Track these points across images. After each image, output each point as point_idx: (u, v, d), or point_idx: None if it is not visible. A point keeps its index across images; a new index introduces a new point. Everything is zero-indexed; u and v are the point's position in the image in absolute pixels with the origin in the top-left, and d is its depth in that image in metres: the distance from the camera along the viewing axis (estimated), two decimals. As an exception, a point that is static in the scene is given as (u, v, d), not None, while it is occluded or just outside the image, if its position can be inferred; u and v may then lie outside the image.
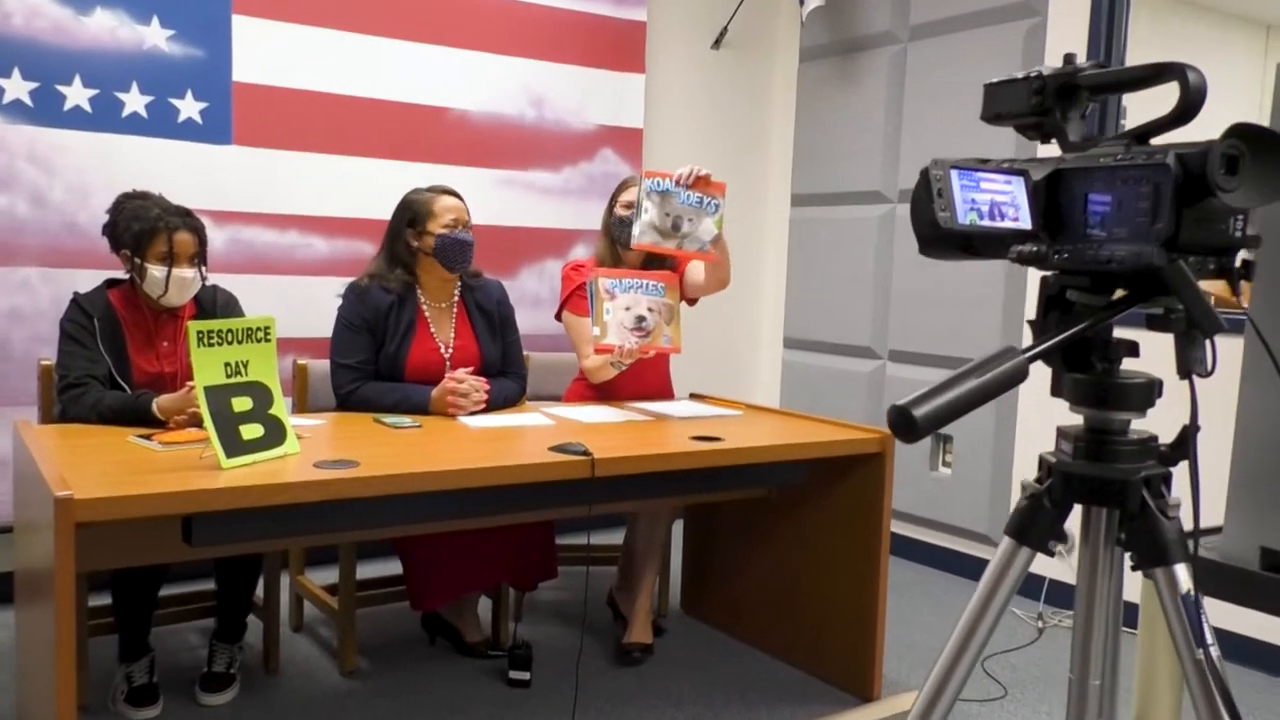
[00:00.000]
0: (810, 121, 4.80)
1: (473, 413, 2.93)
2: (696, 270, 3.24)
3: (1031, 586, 3.71)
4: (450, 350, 3.08)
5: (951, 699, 1.12)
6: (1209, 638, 0.99)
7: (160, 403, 2.59)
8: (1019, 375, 0.91)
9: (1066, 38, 3.72)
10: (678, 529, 3.65)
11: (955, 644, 1.13)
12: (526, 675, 2.93)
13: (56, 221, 3.38)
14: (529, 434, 2.74)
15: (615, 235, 3.25)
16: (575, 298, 3.28)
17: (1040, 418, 3.81)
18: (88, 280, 2.86)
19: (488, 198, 4.13)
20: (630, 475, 2.54)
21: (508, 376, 3.19)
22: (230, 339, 2.27)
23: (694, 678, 3.06)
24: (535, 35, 4.25)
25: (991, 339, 3.95)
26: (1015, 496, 1.17)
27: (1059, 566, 3.61)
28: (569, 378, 3.48)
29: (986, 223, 1.00)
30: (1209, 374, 0.97)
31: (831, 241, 4.63)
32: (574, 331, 3.31)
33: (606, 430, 2.83)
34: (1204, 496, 1.16)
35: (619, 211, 3.25)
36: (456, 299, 3.13)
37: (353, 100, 3.89)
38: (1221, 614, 1.25)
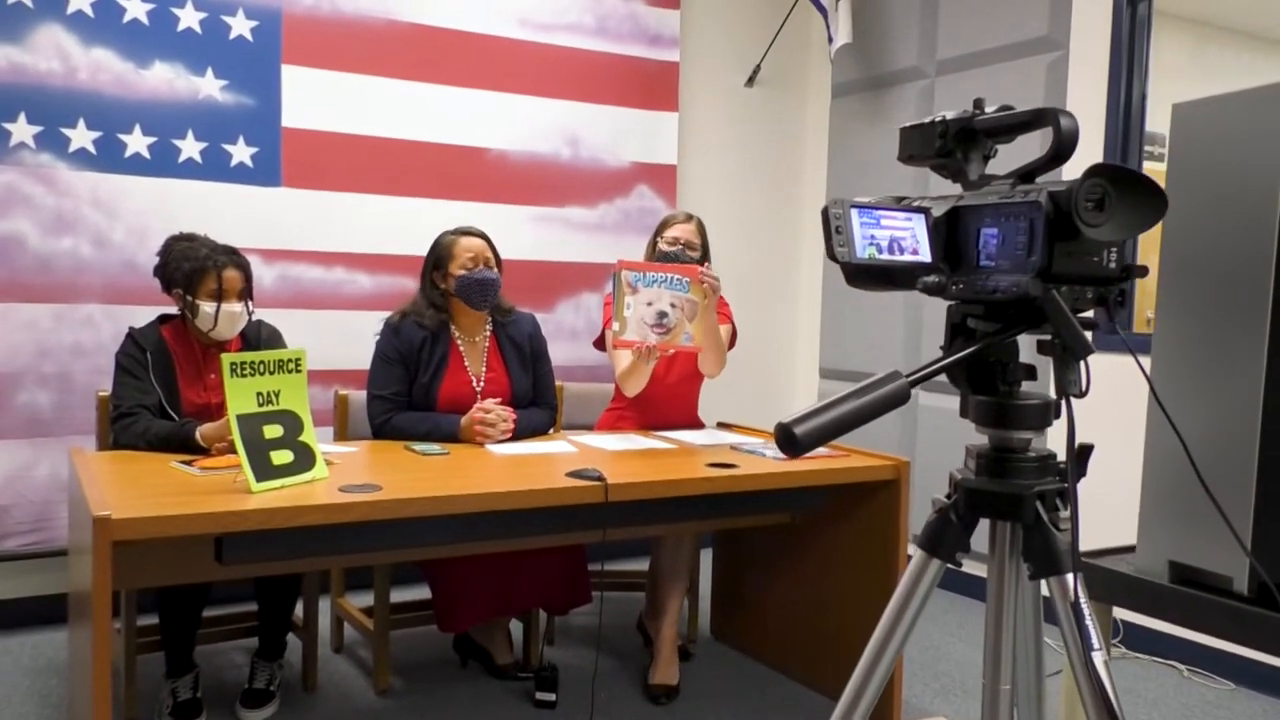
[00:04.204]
0: (843, 155, 4.88)
1: (500, 441, 3.04)
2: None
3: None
4: (481, 383, 3.20)
5: (869, 706, 1.19)
6: (1095, 643, 1.04)
7: (203, 431, 2.74)
8: (900, 398, 0.99)
9: (1088, 70, 3.74)
10: (706, 556, 3.71)
11: (871, 652, 1.20)
12: (552, 696, 3.01)
13: (117, 261, 3.60)
14: (551, 461, 2.83)
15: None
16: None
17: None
18: (145, 316, 3.03)
19: (525, 234, 4.28)
20: (644, 500, 2.62)
21: (539, 406, 3.31)
22: (262, 370, 2.41)
23: (717, 704, 3.12)
24: (570, 77, 4.40)
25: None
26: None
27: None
28: (602, 408, 3.59)
29: (885, 256, 1.08)
30: (1083, 394, 1.03)
31: (866, 273, 4.68)
32: (612, 350, 3.42)
33: (627, 457, 2.91)
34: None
35: (662, 247, 3.40)
36: (488, 333, 3.26)
37: (396, 143, 4.07)
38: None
